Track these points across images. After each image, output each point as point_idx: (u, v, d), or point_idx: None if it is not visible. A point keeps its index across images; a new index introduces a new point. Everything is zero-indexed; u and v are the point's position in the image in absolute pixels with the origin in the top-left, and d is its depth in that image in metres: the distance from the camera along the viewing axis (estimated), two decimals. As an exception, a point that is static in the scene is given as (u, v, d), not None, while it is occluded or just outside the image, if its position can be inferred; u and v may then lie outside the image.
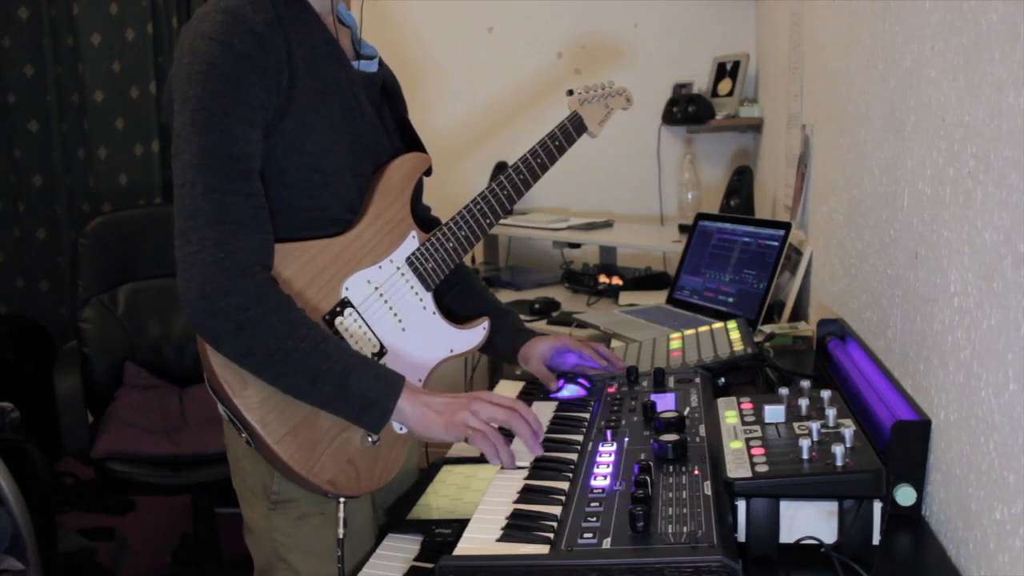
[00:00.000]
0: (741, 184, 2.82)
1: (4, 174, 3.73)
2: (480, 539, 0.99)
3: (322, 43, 1.30)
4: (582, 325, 2.37)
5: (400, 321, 1.35)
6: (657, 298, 2.51)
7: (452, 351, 1.41)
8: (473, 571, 0.92)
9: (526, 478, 1.13)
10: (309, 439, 1.20)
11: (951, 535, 1.01)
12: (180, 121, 1.18)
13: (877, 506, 0.99)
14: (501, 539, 0.98)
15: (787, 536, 1.01)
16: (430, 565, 1.12)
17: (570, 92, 1.65)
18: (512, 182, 1.50)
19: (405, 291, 1.37)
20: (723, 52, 3.28)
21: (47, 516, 2.39)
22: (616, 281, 2.90)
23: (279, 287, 1.17)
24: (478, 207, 1.46)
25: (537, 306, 2.77)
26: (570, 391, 1.45)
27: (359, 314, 1.30)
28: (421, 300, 1.39)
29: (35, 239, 3.79)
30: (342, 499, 1.24)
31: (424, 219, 1.50)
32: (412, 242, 1.39)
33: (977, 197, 0.95)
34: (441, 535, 1.17)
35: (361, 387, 1.17)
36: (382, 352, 1.31)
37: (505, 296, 3.05)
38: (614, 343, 1.97)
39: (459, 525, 1.09)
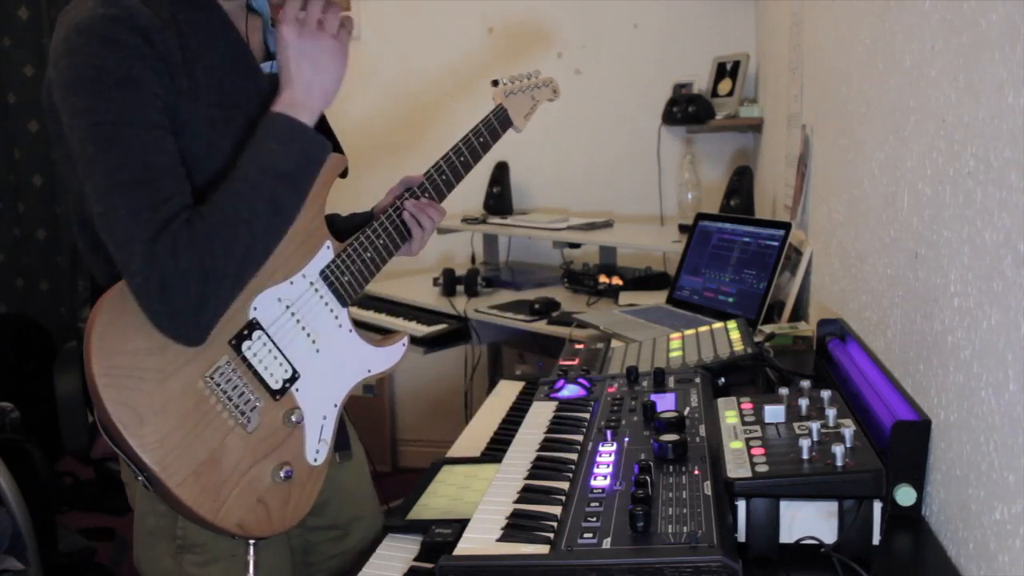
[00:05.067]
0: (741, 184, 2.82)
1: (4, 174, 3.74)
2: (480, 539, 0.99)
3: (229, 49, 1.20)
4: (582, 325, 2.37)
5: (314, 342, 1.26)
6: (657, 298, 2.51)
7: (370, 371, 1.32)
8: (473, 571, 0.92)
9: (526, 478, 1.13)
10: (214, 479, 1.12)
11: (951, 535, 1.01)
12: (78, 138, 1.06)
13: (877, 506, 0.99)
14: (501, 539, 0.98)
15: (787, 536, 1.01)
16: (430, 565, 1.12)
17: (495, 83, 1.56)
18: (434, 183, 1.41)
19: (319, 308, 1.27)
20: (723, 52, 3.28)
21: (47, 516, 2.39)
22: (616, 281, 2.90)
23: (197, 221, 1.09)
24: (398, 213, 1.38)
25: (537, 306, 2.77)
26: (570, 391, 1.45)
27: (269, 337, 1.21)
28: (336, 317, 1.29)
29: (35, 239, 3.79)
30: (251, 541, 1.17)
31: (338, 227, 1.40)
32: (327, 253, 1.28)
33: (977, 197, 0.95)
34: (441, 535, 1.17)
35: (289, 163, 1.16)
36: (294, 377, 1.23)
37: (505, 296, 3.06)
38: (614, 343, 1.97)
39: (459, 525, 1.09)
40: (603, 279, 2.93)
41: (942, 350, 1.06)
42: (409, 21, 3.63)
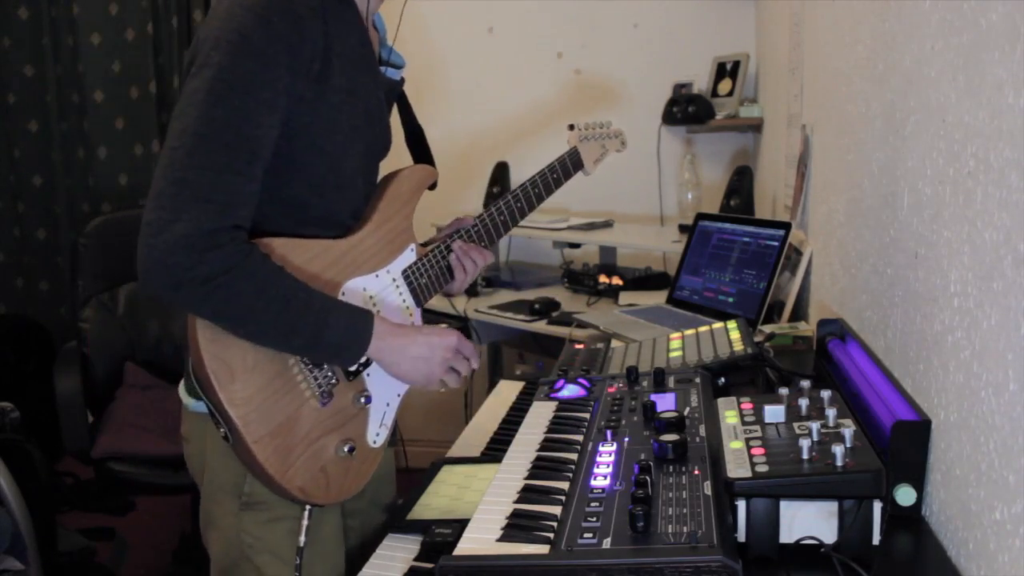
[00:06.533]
0: (741, 184, 2.82)
1: (4, 174, 3.74)
2: (480, 539, 0.99)
3: (359, 44, 1.29)
4: (582, 325, 2.37)
5: None
6: (657, 298, 2.52)
7: None
8: (473, 571, 0.93)
9: (526, 478, 1.14)
10: (287, 442, 1.19)
11: (951, 535, 1.01)
12: (195, 84, 1.13)
13: (877, 506, 0.99)
14: (501, 539, 0.98)
15: (787, 536, 1.01)
16: (430, 565, 1.13)
17: (571, 127, 1.68)
18: (510, 209, 1.51)
19: (397, 304, 1.35)
20: (723, 52, 3.28)
21: (47, 516, 2.39)
22: (616, 281, 2.90)
23: (244, 244, 1.14)
24: (475, 230, 1.47)
25: (537, 306, 2.77)
26: (570, 391, 1.45)
27: None
28: (411, 316, 1.38)
29: (35, 239, 3.79)
30: (308, 507, 1.23)
31: None
32: (410, 255, 1.38)
33: (977, 197, 0.95)
34: (441, 535, 1.17)
35: (334, 336, 1.19)
36: (368, 362, 1.29)
37: (505, 296, 3.06)
38: (614, 343, 1.97)
39: (459, 525, 1.09)
40: (603, 279, 2.93)
41: (942, 350, 1.06)
42: (409, 21, 3.62)
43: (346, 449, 1.24)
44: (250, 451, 1.16)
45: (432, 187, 1.45)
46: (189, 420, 1.33)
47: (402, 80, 1.45)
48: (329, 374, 1.25)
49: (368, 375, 1.29)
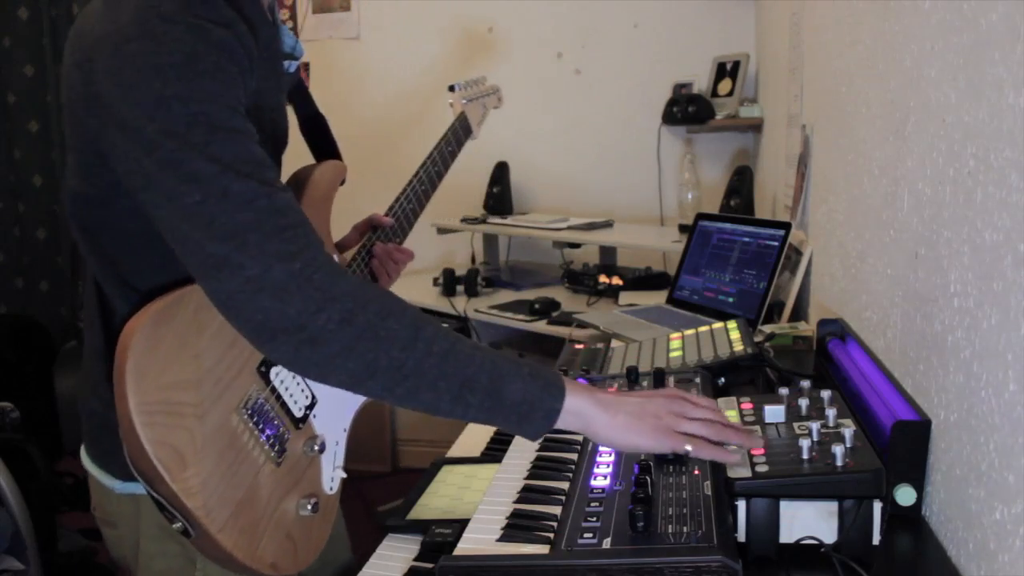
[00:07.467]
0: (741, 184, 2.82)
1: (4, 174, 3.74)
2: (480, 539, 0.99)
3: (266, 44, 1.07)
4: (582, 325, 2.37)
5: None
6: (657, 298, 2.51)
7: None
8: (473, 571, 0.92)
9: (526, 478, 1.14)
10: (250, 519, 1.06)
11: (951, 535, 1.01)
12: (157, 128, 0.91)
13: (877, 506, 0.99)
14: (501, 539, 0.98)
15: (787, 536, 1.01)
16: (430, 565, 1.12)
17: (452, 88, 1.51)
18: (416, 194, 1.41)
19: None
20: (723, 52, 3.28)
21: (47, 516, 2.39)
22: (616, 281, 2.90)
23: (375, 284, 1.00)
24: (392, 229, 1.38)
25: (537, 306, 2.77)
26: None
27: None
28: None
29: (35, 239, 3.79)
30: None
31: None
32: None
33: (977, 197, 0.95)
34: (441, 535, 1.17)
35: (517, 389, 0.95)
36: (313, 403, 1.17)
37: (505, 296, 3.06)
38: (614, 343, 1.97)
39: (459, 525, 1.09)
40: (603, 279, 2.93)
41: (942, 350, 1.06)
42: (408, 21, 3.62)
43: (309, 507, 1.13)
44: (215, 541, 1.01)
45: (341, 183, 1.28)
46: (115, 502, 1.18)
47: (298, 69, 1.25)
48: (280, 427, 1.12)
49: (315, 417, 1.17)
